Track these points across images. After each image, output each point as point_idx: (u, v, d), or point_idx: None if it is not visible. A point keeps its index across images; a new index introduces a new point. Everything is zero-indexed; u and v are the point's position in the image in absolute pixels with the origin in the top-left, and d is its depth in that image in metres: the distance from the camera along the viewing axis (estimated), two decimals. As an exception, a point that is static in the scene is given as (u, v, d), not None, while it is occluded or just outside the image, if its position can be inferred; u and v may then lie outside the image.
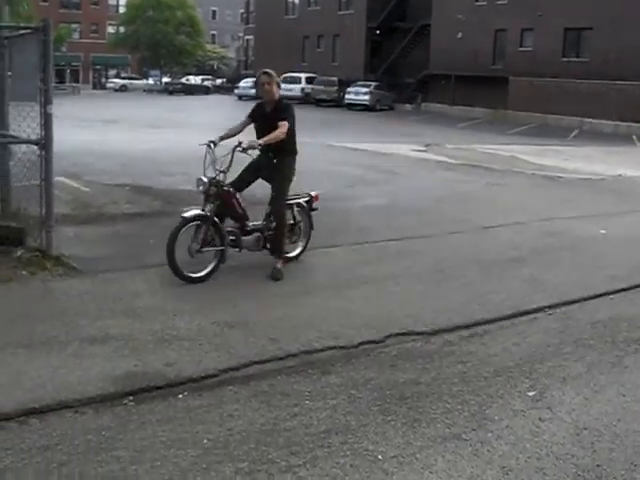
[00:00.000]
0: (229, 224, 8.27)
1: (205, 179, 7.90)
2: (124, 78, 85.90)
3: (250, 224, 8.33)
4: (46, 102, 8.26)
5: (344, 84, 52.85)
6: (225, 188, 8.02)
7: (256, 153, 8.21)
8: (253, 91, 60.43)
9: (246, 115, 8.58)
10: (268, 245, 8.42)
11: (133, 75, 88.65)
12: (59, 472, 4.16)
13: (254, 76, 63.63)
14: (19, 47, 9.22)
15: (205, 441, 4.54)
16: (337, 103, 52.22)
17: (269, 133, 7.98)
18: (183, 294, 7.49)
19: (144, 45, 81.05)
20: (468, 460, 4.43)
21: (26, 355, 5.77)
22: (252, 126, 8.49)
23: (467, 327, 6.82)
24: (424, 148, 24.76)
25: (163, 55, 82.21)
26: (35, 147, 8.44)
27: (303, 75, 57.13)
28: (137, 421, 4.78)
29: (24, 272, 7.82)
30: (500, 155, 23.72)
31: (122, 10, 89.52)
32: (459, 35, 48.49)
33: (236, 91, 63.57)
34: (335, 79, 54.52)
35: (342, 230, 10.68)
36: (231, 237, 8.18)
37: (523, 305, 7.50)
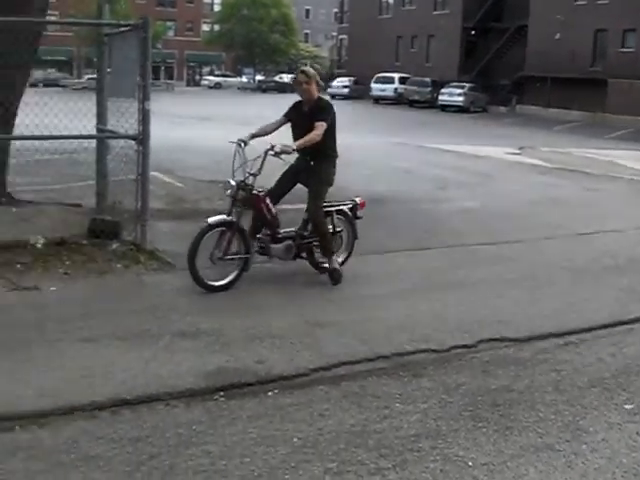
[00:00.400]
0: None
1: (233, 182, 7.50)
2: (218, 76, 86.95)
3: (281, 231, 7.83)
4: (144, 98, 8.41)
5: (437, 85, 52.44)
6: (254, 192, 7.57)
7: (291, 157, 7.78)
8: (346, 90, 60.76)
9: (282, 114, 8.03)
10: (303, 254, 7.99)
11: (227, 73, 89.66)
12: (149, 464, 4.20)
13: (347, 75, 64.18)
14: (118, 44, 9.40)
15: (295, 440, 4.53)
16: (430, 104, 51.88)
17: (306, 134, 7.51)
18: (275, 292, 7.52)
19: (238, 43, 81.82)
20: (561, 472, 4.31)
21: (119, 347, 5.88)
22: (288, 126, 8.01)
23: (561, 335, 6.65)
24: (518, 151, 24.37)
25: (257, 53, 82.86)
26: (132, 142, 8.60)
27: (396, 75, 56.88)
28: (228, 417, 4.80)
29: (119, 265, 7.97)
30: (597, 159, 23.19)
31: (217, 8, 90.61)
32: (557, 36, 47.56)
33: (328, 90, 63.73)
34: (428, 80, 54.13)
35: (434, 232, 10.59)
36: (260, 244, 7.76)
37: (619, 315, 7.28)
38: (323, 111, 7.71)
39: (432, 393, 5.28)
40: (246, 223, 7.65)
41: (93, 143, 10.09)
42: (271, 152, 7.40)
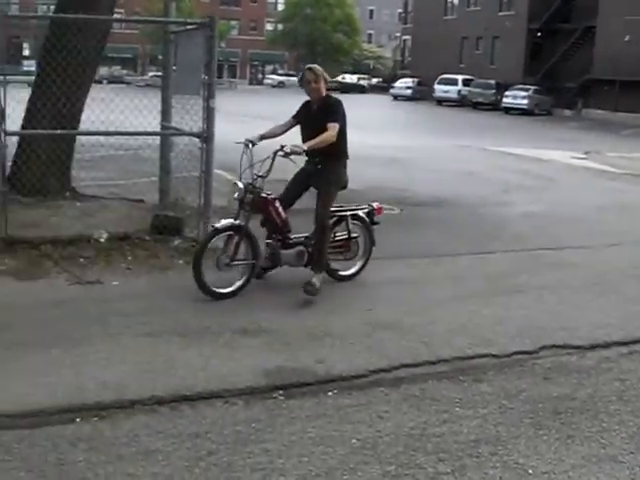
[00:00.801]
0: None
1: (241, 184, 7.17)
2: (281, 75, 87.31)
3: (292, 236, 7.48)
4: (209, 96, 8.46)
5: (502, 87, 51.92)
6: (263, 195, 7.24)
7: (301, 159, 7.48)
8: (409, 91, 60.53)
9: (292, 115, 7.70)
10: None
11: (290, 72, 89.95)
12: (208, 460, 4.22)
13: (410, 76, 63.93)
14: (184, 42, 9.49)
15: (353, 441, 4.51)
16: (494, 106, 51.46)
17: (315, 134, 7.16)
18: (335, 292, 7.51)
19: (301, 42, 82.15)
20: (625, 484, 4.23)
21: (180, 343, 5.93)
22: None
23: (626, 344, 6.50)
24: (584, 155, 23.95)
25: (320, 53, 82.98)
26: (196, 140, 8.66)
27: (460, 77, 56.49)
28: (287, 415, 4.80)
29: (180, 261, 8.03)
30: (667, 165, 22.68)
31: (280, 7, 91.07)
32: (626, 38, 46.61)
33: (391, 91, 63.72)
34: (493, 82, 53.63)
35: (497, 236, 10.46)
36: (269, 250, 7.45)
37: (688, 324, 7.10)
38: (333, 110, 7.35)
39: (492, 398, 5.21)
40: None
41: (157, 140, 10.20)
42: (280, 153, 7.10)
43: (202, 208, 8.59)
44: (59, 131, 9.71)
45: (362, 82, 78.92)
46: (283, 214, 7.35)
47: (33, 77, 10.67)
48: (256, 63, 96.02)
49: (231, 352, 5.77)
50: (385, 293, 7.61)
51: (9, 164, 9.16)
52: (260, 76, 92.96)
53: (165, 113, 9.79)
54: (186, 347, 5.85)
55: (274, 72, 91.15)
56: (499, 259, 9.32)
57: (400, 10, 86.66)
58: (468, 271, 8.68)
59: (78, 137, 10.71)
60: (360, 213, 7.92)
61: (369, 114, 38.88)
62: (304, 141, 7.28)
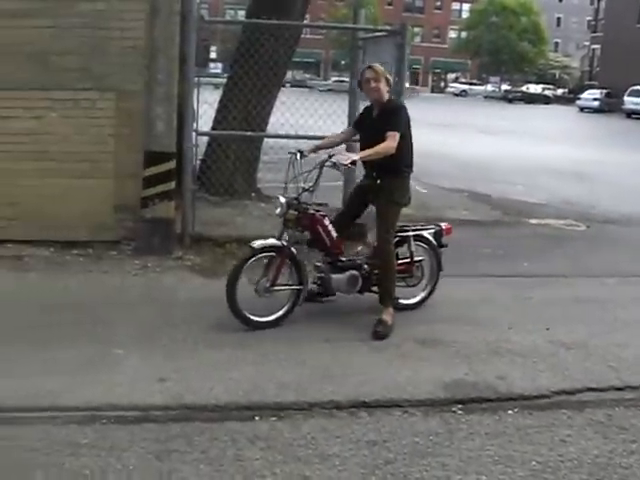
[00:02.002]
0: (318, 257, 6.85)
1: (283, 200, 6.40)
2: (463, 83, 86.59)
3: (344, 259, 6.64)
4: (397, 103, 8.43)
5: None
6: (311, 211, 6.47)
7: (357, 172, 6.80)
8: (596, 103, 58.41)
9: (353, 122, 6.99)
10: (373, 288, 6.76)
11: (473, 81, 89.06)
12: (384, 469, 4.19)
13: (599, 87, 61.75)
14: (373, 48, 9.55)
15: (534, 463, 4.36)
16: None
17: (373, 144, 6.27)
18: (514, 308, 7.32)
19: (485, 51, 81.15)
20: None
21: (359, 349, 5.98)
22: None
23: None
24: None
25: (504, 62, 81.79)
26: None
27: (653, 89, 54.03)
28: (465, 431, 4.71)
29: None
30: None
31: (465, 15, 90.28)
32: None
33: (578, 102, 61.76)
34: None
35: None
36: (318, 274, 6.67)
37: None
38: (394, 117, 6.41)
39: (687, 432, 4.91)
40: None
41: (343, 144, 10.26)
42: (328, 163, 6.31)
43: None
44: (249, 133, 10.00)
45: (547, 92, 77.00)
46: (333, 233, 6.54)
47: (220, 79, 11.02)
48: (438, 71, 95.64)
49: (411, 362, 5.73)
50: (568, 311, 7.32)
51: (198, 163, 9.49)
52: (442, 84, 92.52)
53: (352, 118, 9.84)
54: (365, 354, 5.87)
55: (456, 80, 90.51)
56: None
57: (589, 18, 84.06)
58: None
59: (265, 140, 10.96)
60: (425, 234, 7.05)
61: (554, 126, 37.90)
62: (362, 150, 6.50)
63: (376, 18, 61.70)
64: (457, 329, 6.52)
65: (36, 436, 4.38)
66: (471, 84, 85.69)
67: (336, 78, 60.12)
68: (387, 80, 6.50)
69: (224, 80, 11.26)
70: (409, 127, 6.55)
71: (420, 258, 7.07)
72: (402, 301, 6.95)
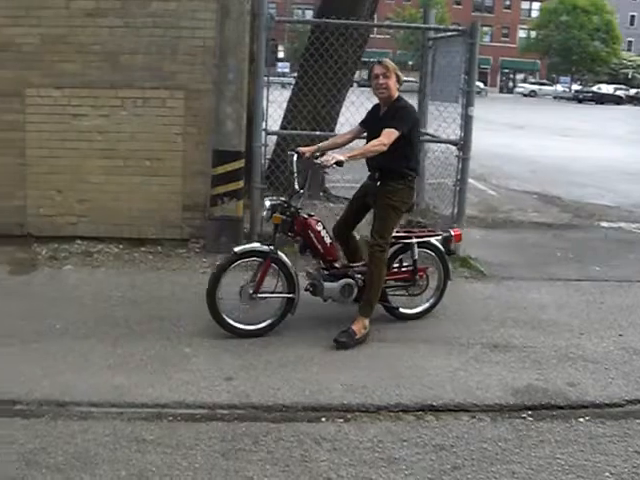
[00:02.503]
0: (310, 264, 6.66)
1: (267, 203, 6.09)
2: (533, 83, 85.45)
3: (338, 265, 6.28)
4: (468, 104, 8.40)
5: None
6: (304, 215, 6.11)
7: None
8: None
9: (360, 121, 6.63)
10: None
11: (542, 81, 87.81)
12: (452, 474, 4.13)
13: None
14: (443, 49, 9.46)
15: (607, 474, 4.24)
16: None
17: None
18: (592, 312, 7.13)
19: (555, 50, 79.94)
20: None
21: (427, 352, 5.91)
22: None
23: None
24: None
25: (574, 61, 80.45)
26: (453, 147, 8.59)
27: None
28: (535, 438, 4.61)
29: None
30: None
31: (534, 14, 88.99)
32: None
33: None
34: None
35: None
36: (310, 281, 6.34)
37: None
38: (399, 115, 6.03)
39: None
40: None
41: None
42: (316, 165, 6.02)
43: (455, 217, 8.51)
44: (318, 132, 9.98)
45: (619, 93, 75.51)
46: (327, 239, 6.17)
47: (287, 78, 11.03)
48: (507, 71, 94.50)
49: (480, 366, 5.65)
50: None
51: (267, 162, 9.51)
52: (511, 84, 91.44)
53: (420, 118, 9.79)
54: (433, 356, 5.80)
55: (525, 80, 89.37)
56: None
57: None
58: None
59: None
60: (432, 240, 6.64)
61: (625, 127, 37.12)
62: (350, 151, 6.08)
63: (444, 18, 61.33)
64: (527, 333, 6.41)
65: (103, 431, 4.43)
66: (540, 84, 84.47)
67: (404, 78, 59.84)
68: (398, 77, 6.16)
69: (291, 79, 11.27)
70: (416, 128, 6.25)
71: (424, 266, 6.69)
72: (403, 310, 6.63)
